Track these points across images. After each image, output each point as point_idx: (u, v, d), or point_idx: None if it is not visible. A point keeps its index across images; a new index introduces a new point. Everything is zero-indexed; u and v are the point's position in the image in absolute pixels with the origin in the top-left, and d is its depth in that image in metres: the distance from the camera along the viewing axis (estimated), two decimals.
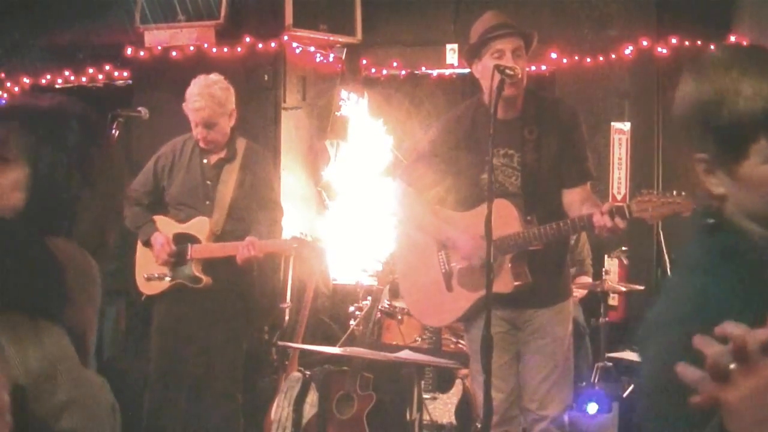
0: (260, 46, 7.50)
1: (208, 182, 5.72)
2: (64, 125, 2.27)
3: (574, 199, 4.47)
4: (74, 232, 2.28)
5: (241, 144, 5.81)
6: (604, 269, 6.46)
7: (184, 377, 5.74)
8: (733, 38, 7.12)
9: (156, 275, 5.72)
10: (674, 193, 4.00)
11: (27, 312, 2.00)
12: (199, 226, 5.68)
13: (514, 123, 4.56)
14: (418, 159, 4.84)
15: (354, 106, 7.87)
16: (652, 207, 4.01)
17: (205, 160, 5.73)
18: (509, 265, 4.45)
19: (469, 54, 4.60)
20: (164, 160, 5.79)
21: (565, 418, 4.72)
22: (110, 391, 2.23)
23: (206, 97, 5.60)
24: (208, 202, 5.69)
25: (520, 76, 4.35)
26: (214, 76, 5.72)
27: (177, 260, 5.67)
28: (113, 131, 5.03)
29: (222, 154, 5.75)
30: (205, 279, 5.64)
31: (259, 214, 5.75)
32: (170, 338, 5.73)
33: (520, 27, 4.56)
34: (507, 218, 4.38)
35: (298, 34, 7.54)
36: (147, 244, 5.73)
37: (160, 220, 5.76)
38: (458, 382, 6.05)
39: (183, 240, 5.67)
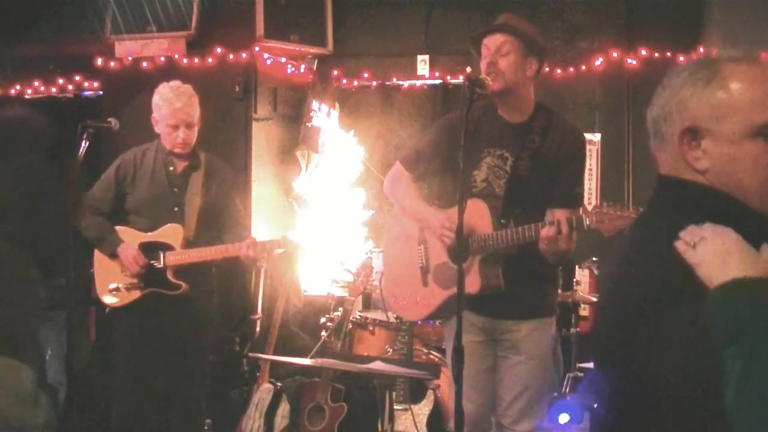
0: (231, 57, 7.48)
1: (176, 189, 5.69)
2: (20, 137, 2.26)
3: (555, 220, 4.47)
4: (19, 241, 2.26)
5: (202, 155, 5.80)
6: (575, 280, 6.47)
7: (154, 387, 5.70)
8: (702, 50, 7.17)
9: (124, 286, 5.65)
10: (631, 207, 4.09)
11: None
12: (172, 233, 5.64)
13: (518, 128, 4.59)
14: (421, 151, 4.86)
15: (325, 117, 7.86)
16: (608, 219, 4.07)
17: (171, 168, 5.70)
18: (478, 266, 4.45)
19: (476, 55, 4.64)
20: (125, 168, 5.73)
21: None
22: (31, 381, 2.19)
23: (185, 96, 5.62)
24: (176, 209, 5.66)
25: (489, 84, 4.35)
26: (181, 83, 5.72)
27: (149, 269, 5.63)
28: (83, 143, 5.01)
29: (187, 162, 5.73)
30: (184, 285, 5.61)
31: (226, 221, 5.75)
32: (142, 348, 5.67)
33: (507, 24, 4.56)
34: (480, 219, 4.38)
35: (269, 45, 7.53)
36: (113, 255, 5.67)
37: (122, 230, 5.69)
38: (430, 393, 6.05)
39: (152, 248, 5.62)
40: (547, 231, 4.17)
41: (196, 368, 5.83)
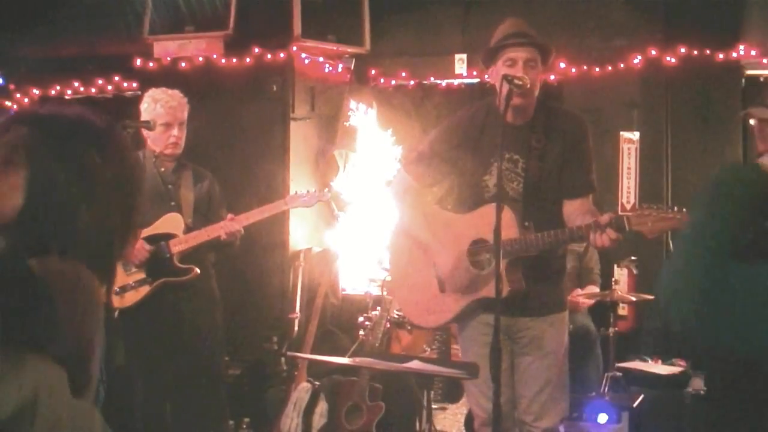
0: (269, 56, 7.51)
1: (170, 186, 5.70)
2: (77, 137, 2.23)
3: (575, 210, 4.45)
4: (73, 249, 2.19)
5: (186, 161, 5.81)
6: (613, 279, 6.44)
7: (174, 382, 5.69)
8: (741, 47, 7.12)
9: (132, 284, 5.59)
10: (674, 208, 4.03)
11: (7, 343, 1.90)
12: (172, 221, 5.63)
13: (523, 129, 4.53)
14: (423, 153, 4.76)
15: (362, 116, 7.87)
16: (651, 221, 4.03)
17: (162, 168, 5.71)
18: (504, 270, 4.41)
19: (486, 58, 4.59)
20: None
21: (561, 429, 4.70)
22: (101, 423, 2.14)
23: (177, 96, 5.64)
24: (173, 203, 5.66)
25: (528, 86, 4.33)
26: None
27: (154, 261, 5.60)
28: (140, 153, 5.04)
29: (175, 164, 5.74)
30: (194, 267, 5.61)
31: (213, 219, 5.75)
32: (159, 344, 5.65)
33: (535, 37, 4.51)
34: (505, 223, 4.34)
35: (307, 44, 7.55)
36: None
37: None
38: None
39: (153, 241, 5.59)
40: (599, 239, 4.14)
41: (212, 359, 5.84)
